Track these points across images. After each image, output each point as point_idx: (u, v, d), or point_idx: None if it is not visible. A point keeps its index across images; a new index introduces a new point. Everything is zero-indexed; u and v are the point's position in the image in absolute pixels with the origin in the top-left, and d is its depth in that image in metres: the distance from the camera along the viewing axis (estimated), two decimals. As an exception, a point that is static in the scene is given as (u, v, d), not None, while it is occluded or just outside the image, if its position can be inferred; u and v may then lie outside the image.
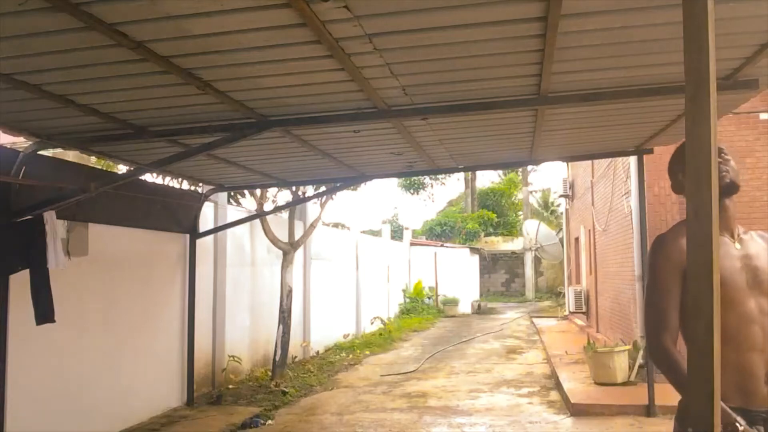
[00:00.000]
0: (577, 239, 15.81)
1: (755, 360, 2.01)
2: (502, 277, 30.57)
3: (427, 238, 27.70)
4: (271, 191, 10.35)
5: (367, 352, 12.62)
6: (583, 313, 14.23)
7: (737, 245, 2.12)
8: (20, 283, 4.84)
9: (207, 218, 8.53)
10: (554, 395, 8.16)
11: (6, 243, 4.79)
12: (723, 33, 3.23)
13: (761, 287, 2.06)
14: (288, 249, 9.74)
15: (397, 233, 24.12)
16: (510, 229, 32.44)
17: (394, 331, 15.79)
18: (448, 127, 5.32)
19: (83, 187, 4.95)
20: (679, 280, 2.04)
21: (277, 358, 9.28)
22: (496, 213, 32.31)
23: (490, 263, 29.71)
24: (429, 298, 22.17)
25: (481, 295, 25.92)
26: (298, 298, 11.06)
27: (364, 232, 18.73)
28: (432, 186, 33.35)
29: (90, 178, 5.29)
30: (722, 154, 2.12)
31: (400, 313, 19.90)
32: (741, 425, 1.83)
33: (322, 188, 9.70)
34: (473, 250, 25.74)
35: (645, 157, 7.15)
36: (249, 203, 10.57)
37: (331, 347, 12.82)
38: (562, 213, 22.83)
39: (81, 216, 5.89)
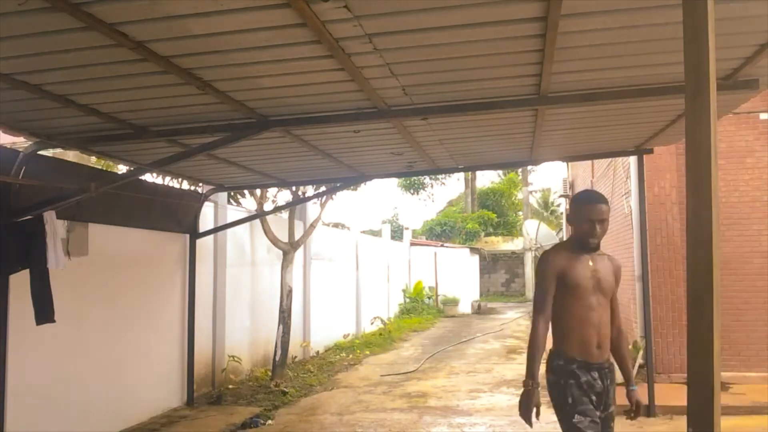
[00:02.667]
0: (577, 239, 15.78)
1: (591, 333, 3.26)
2: (502, 277, 30.55)
3: (427, 238, 27.69)
4: (271, 191, 10.35)
5: (367, 352, 12.62)
6: (583, 313, 14.20)
7: (590, 263, 3.30)
8: (20, 283, 4.83)
9: (207, 218, 8.53)
10: (554, 395, 8.15)
11: (6, 243, 4.79)
12: (723, 33, 3.22)
13: (600, 289, 3.29)
14: (288, 249, 9.74)
15: (397, 233, 24.11)
16: (510, 229, 32.44)
17: (394, 331, 15.79)
18: (448, 127, 5.32)
19: (83, 187, 4.94)
20: (554, 281, 3.26)
21: (277, 358, 9.28)
22: (496, 213, 32.31)
23: (490, 263, 29.71)
24: (429, 298, 22.16)
25: (481, 295, 25.91)
26: (298, 298, 11.06)
27: (364, 232, 18.73)
28: (432, 186, 33.39)
29: (90, 178, 5.28)
30: (604, 219, 3.32)
31: (400, 313, 19.89)
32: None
33: (322, 188, 9.70)
34: (473, 250, 25.73)
35: (645, 157, 7.14)
36: (249, 203, 10.57)
37: (331, 347, 12.81)
38: (562, 213, 22.81)
39: (81, 216, 5.89)
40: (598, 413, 3.18)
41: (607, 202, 3.35)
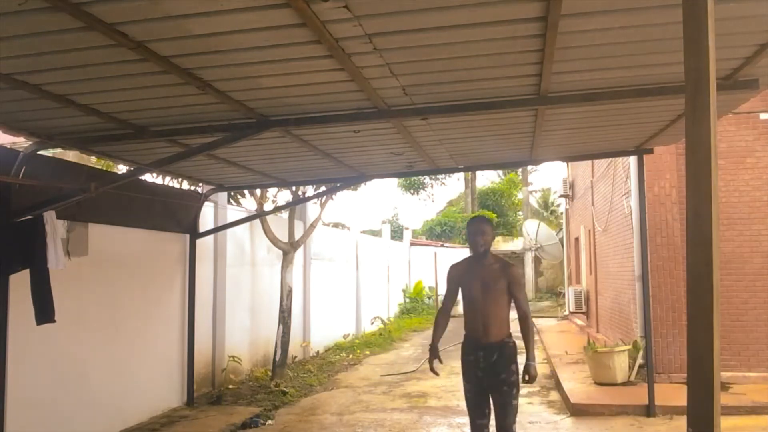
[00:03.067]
0: (577, 239, 15.80)
1: (477, 319, 4.44)
2: (502, 277, 30.41)
3: (427, 238, 27.69)
4: (271, 191, 10.35)
5: (367, 352, 12.62)
6: (583, 313, 14.22)
7: (479, 269, 4.44)
8: (20, 283, 4.83)
9: (207, 218, 8.53)
10: (554, 395, 8.16)
11: (6, 243, 4.79)
12: (723, 33, 3.22)
13: (484, 288, 4.40)
14: (288, 249, 9.73)
15: (397, 233, 24.10)
16: (510, 229, 32.42)
17: (394, 331, 15.78)
18: (448, 127, 5.32)
19: (83, 187, 4.95)
20: (454, 286, 4.61)
21: (277, 358, 9.28)
22: (496, 213, 32.24)
23: (490, 263, 29.63)
24: (429, 298, 22.15)
25: (481, 295, 25.83)
26: (298, 298, 11.06)
27: (364, 232, 18.72)
28: (432, 186, 33.31)
29: (90, 178, 5.29)
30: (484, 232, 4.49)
31: (400, 313, 19.88)
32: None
33: (322, 188, 9.69)
34: (473, 250, 25.65)
35: (645, 157, 7.14)
36: (249, 203, 10.56)
37: (331, 347, 12.81)
38: (562, 213, 22.82)
39: (81, 216, 5.89)
40: (485, 381, 4.36)
41: (490, 223, 4.68)
